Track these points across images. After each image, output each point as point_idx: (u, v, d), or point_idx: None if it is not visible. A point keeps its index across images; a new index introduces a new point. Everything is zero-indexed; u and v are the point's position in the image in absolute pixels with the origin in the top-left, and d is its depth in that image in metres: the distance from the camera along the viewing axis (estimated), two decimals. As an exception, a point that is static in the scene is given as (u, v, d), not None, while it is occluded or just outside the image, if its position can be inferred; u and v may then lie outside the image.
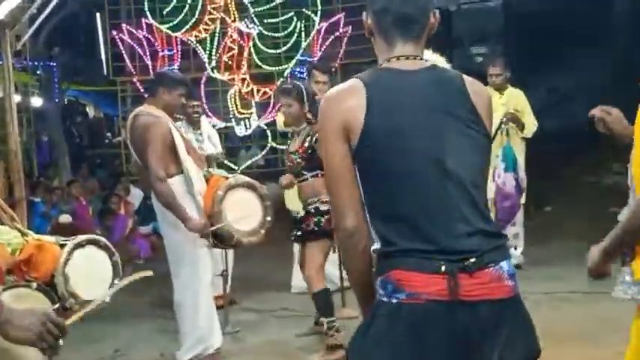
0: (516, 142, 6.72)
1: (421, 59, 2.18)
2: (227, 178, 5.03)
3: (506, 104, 6.68)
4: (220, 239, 4.92)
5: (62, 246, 3.20)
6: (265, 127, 10.70)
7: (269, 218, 5.02)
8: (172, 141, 4.76)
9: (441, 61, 3.14)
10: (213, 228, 4.80)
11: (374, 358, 2.02)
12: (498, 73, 6.74)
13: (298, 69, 10.34)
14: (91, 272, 3.22)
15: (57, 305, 2.98)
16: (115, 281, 3.25)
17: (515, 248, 6.71)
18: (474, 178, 2.06)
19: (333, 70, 10.12)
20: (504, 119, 6.50)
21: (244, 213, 4.91)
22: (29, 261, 2.99)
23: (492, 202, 6.15)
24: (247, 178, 5.13)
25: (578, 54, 10.15)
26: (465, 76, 2.19)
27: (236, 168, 10.40)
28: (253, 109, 10.52)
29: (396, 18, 2.16)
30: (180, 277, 4.93)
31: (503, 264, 2.02)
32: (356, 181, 2.07)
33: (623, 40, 13.27)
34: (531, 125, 6.75)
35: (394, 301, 1.99)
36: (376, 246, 2.07)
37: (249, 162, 10.88)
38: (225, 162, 9.14)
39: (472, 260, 1.97)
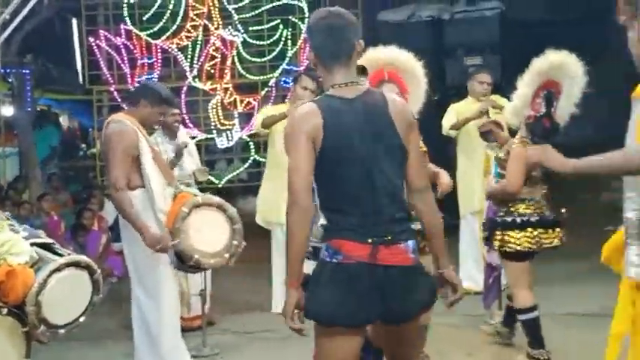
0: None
1: (354, 83, 2.98)
2: (196, 195, 4.82)
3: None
4: (179, 258, 4.69)
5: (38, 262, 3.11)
6: (248, 139, 10.29)
7: (236, 242, 4.77)
8: (138, 152, 4.62)
9: None
10: (173, 242, 4.51)
11: (324, 295, 2.90)
12: (490, 82, 6.80)
13: (284, 78, 9.94)
14: (68, 295, 3.17)
15: (26, 329, 3.09)
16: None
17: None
18: (394, 181, 2.96)
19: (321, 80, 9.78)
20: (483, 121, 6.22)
21: (209, 234, 4.68)
22: (-1, 287, 2.92)
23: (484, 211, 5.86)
24: (217, 198, 4.89)
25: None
26: (387, 96, 3.02)
27: (217, 182, 10.03)
28: (236, 121, 10.11)
29: (330, 52, 2.94)
30: (141, 296, 4.71)
31: (409, 242, 2.95)
32: (312, 174, 2.89)
33: (622, 51, 13.05)
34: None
35: (334, 260, 2.90)
36: (322, 222, 2.98)
37: (230, 176, 10.45)
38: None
39: (389, 238, 2.89)
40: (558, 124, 4.91)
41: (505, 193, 4.94)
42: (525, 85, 4.95)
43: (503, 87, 8.37)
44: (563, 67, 4.86)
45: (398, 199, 2.96)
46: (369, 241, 2.87)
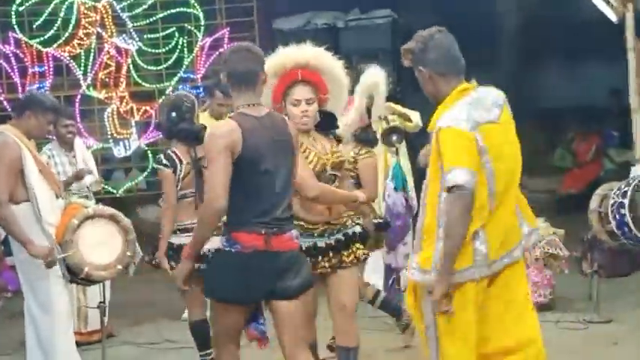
0: (405, 161, 6.70)
1: (259, 104, 3.76)
2: (87, 207, 4.87)
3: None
4: (70, 271, 4.70)
5: None
6: (146, 148, 10.16)
7: (129, 253, 4.83)
8: (22, 165, 4.61)
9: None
10: (61, 256, 4.47)
11: (222, 277, 3.66)
12: None
13: (181, 86, 9.87)
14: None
15: None
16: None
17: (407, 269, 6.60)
18: (288, 187, 3.71)
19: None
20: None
21: (101, 245, 4.73)
22: None
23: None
24: (110, 209, 4.95)
25: (469, 73, 10.14)
26: (284, 117, 3.89)
27: (115, 192, 9.87)
28: (133, 129, 9.96)
29: (238, 78, 3.72)
30: (34, 311, 4.68)
31: (293, 231, 3.73)
32: (228, 182, 3.57)
33: (509, 60, 13.53)
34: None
35: (233, 250, 3.62)
36: (225, 219, 3.68)
37: (128, 185, 10.28)
38: (104, 186, 8.59)
39: (277, 230, 3.63)
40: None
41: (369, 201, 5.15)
42: (360, 97, 5.24)
43: (397, 93, 8.62)
44: (378, 84, 5.49)
45: (288, 201, 3.75)
46: (263, 232, 3.59)
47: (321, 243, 4.28)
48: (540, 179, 12.11)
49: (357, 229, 4.45)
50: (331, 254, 4.29)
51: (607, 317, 5.99)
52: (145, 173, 10.32)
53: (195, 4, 9.98)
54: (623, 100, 7.36)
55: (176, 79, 10.01)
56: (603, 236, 5.74)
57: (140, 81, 10.02)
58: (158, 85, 10.03)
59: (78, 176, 6.08)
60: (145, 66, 10.06)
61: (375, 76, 5.45)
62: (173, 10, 10.02)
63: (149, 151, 10.14)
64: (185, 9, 10.01)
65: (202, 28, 10.03)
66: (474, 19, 12.62)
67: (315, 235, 4.28)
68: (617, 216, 5.47)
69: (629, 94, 7.03)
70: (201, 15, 10.00)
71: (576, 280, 6.77)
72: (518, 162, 3.52)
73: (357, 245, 4.40)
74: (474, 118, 3.38)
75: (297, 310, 3.72)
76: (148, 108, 9.94)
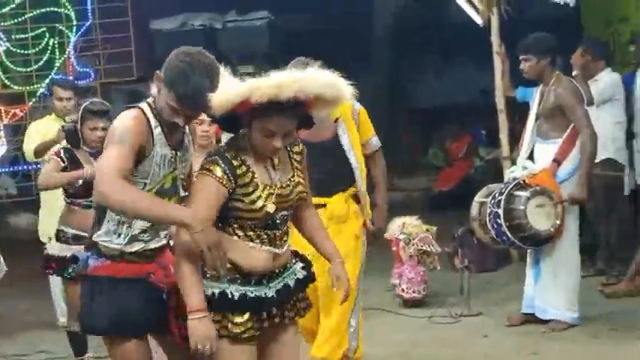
0: None
1: None
2: None
3: None
4: None
5: None
6: (16, 153, 9.79)
7: None
8: None
9: None
10: None
11: None
12: None
13: (52, 88, 9.54)
14: None
15: None
16: None
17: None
18: None
19: (93, 88, 9.55)
20: None
21: None
22: None
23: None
24: None
25: (349, 73, 10.36)
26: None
27: (-17, 198, 9.48)
28: (1, 133, 9.57)
29: None
30: None
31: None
32: None
33: (385, 60, 13.83)
34: None
35: None
36: None
37: (-2, 191, 9.90)
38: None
39: None
40: None
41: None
42: None
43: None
44: None
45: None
46: None
47: (259, 293, 3.10)
48: (416, 178, 12.48)
49: (299, 272, 3.29)
50: (275, 311, 3.14)
51: (477, 311, 6.22)
52: (16, 179, 9.96)
53: (67, 4, 9.69)
54: (491, 100, 7.66)
55: (47, 80, 9.66)
56: (487, 241, 5.81)
57: (9, 83, 9.64)
58: (28, 87, 9.68)
59: None
60: (14, 67, 9.69)
61: None
62: (43, 10, 9.70)
63: (19, 156, 9.78)
64: (56, 9, 9.72)
65: (74, 28, 9.76)
66: (349, 20, 12.87)
67: (252, 283, 3.10)
68: (494, 225, 5.49)
69: (496, 95, 7.34)
70: (72, 15, 9.73)
71: (448, 275, 7.00)
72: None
73: (300, 295, 3.30)
74: None
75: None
76: (17, 111, 9.59)
